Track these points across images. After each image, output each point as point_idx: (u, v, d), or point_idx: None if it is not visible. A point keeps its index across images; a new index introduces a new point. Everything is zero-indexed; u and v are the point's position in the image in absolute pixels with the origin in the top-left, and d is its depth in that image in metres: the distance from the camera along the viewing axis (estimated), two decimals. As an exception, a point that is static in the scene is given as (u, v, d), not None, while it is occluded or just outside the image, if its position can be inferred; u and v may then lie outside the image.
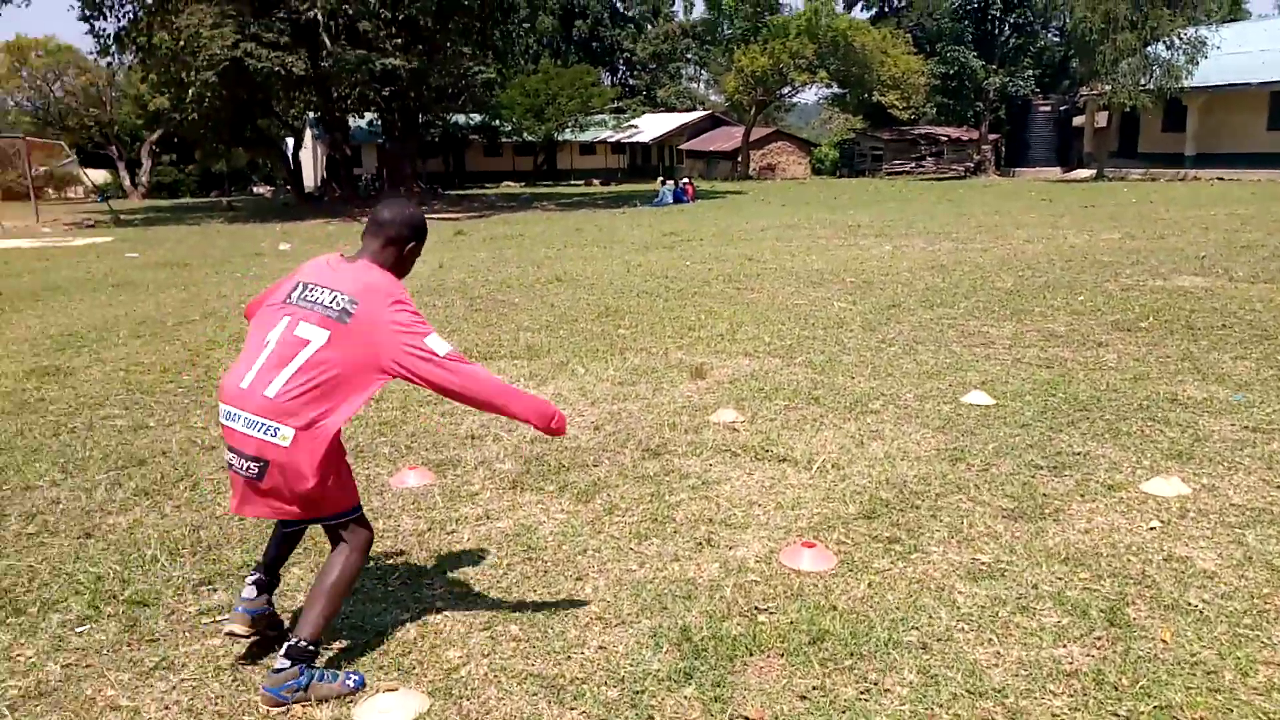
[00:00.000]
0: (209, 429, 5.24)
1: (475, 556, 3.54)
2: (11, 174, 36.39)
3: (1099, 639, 2.87)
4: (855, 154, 49.77)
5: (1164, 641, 2.85)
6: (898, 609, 3.08)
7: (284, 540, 2.94)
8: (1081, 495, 4.05)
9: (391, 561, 3.54)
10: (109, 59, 31.14)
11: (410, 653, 2.88)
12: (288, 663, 2.60)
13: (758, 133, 51.11)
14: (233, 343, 7.69)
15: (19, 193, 34.69)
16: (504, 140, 54.73)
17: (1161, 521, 3.75)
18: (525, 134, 49.04)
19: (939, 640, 2.89)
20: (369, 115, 37.09)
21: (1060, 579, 3.27)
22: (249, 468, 2.56)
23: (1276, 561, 3.36)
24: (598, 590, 3.24)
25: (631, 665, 2.76)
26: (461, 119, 46.31)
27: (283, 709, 2.57)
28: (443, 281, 11.22)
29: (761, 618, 3.02)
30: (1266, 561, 3.36)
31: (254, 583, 2.84)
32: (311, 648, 2.63)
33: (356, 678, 2.69)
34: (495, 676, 2.74)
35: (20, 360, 7.27)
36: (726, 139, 52.86)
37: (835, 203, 25.89)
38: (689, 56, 66.16)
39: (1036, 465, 4.42)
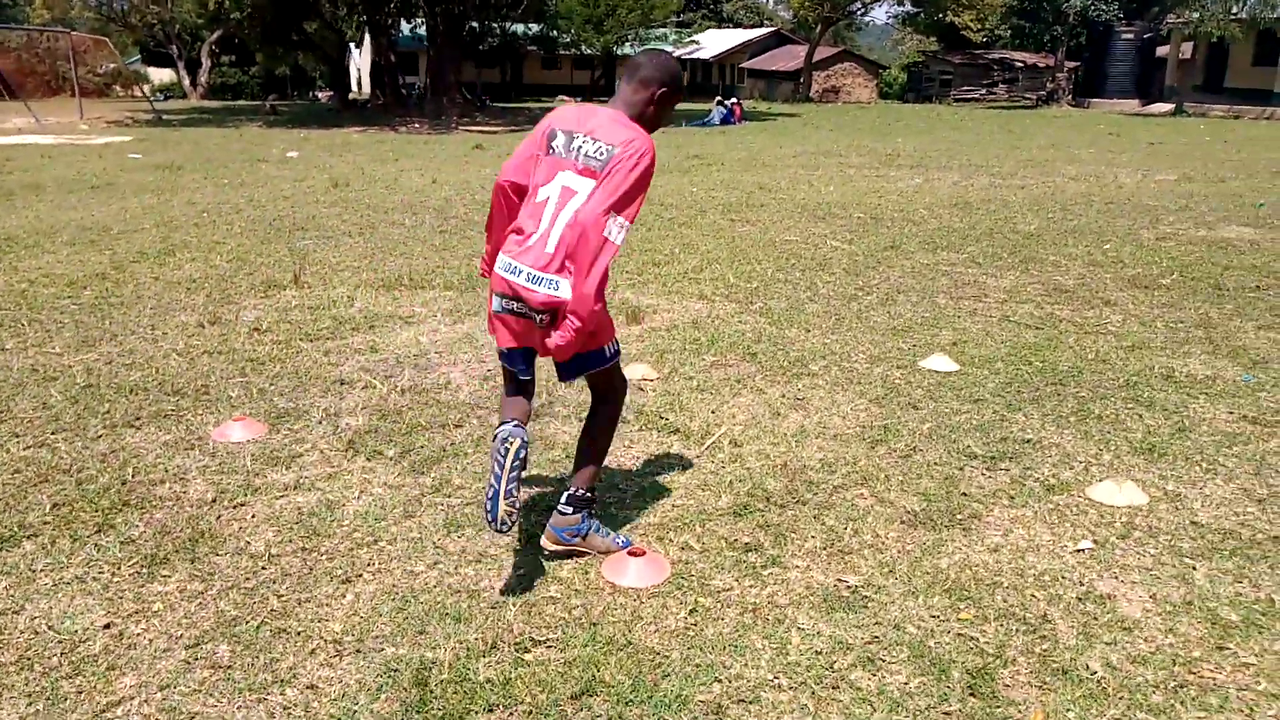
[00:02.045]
0: (64, 356, 4.74)
1: (241, 541, 2.97)
2: (82, 70, 36.20)
3: (947, 716, 2.21)
4: (923, 78, 47.35)
5: (1031, 726, 2.18)
6: (710, 650, 2.44)
7: (523, 391, 2.85)
8: (1010, 498, 3.34)
9: (136, 539, 2.98)
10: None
11: (79, 674, 2.33)
12: (570, 509, 2.79)
13: (823, 52, 48.77)
14: (165, 254, 7.19)
15: (90, 89, 34.79)
16: (562, 53, 53.32)
17: (1096, 541, 3.03)
18: (584, 46, 47.54)
19: (739, 702, 2.25)
20: (416, 20, 36.11)
21: (934, 617, 2.60)
22: (542, 319, 2.60)
23: (1223, 611, 2.64)
24: (359, 599, 2.66)
25: (331, 718, 2.18)
26: (520, 29, 45.03)
27: (564, 550, 2.80)
28: (426, 199, 10.59)
29: (531, 655, 2.41)
30: (1209, 610, 2.64)
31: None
32: (590, 495, 2.82)
33: (624, 540, 2.86)
34: None
35: (-60, 267, 6.86)
36: (790, 58, 50.58)
37: (887, 129, 24.51)
38: (757, -33, 63.36)
39: (970, 454, 3.70)
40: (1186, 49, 33.98)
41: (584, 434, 2.90)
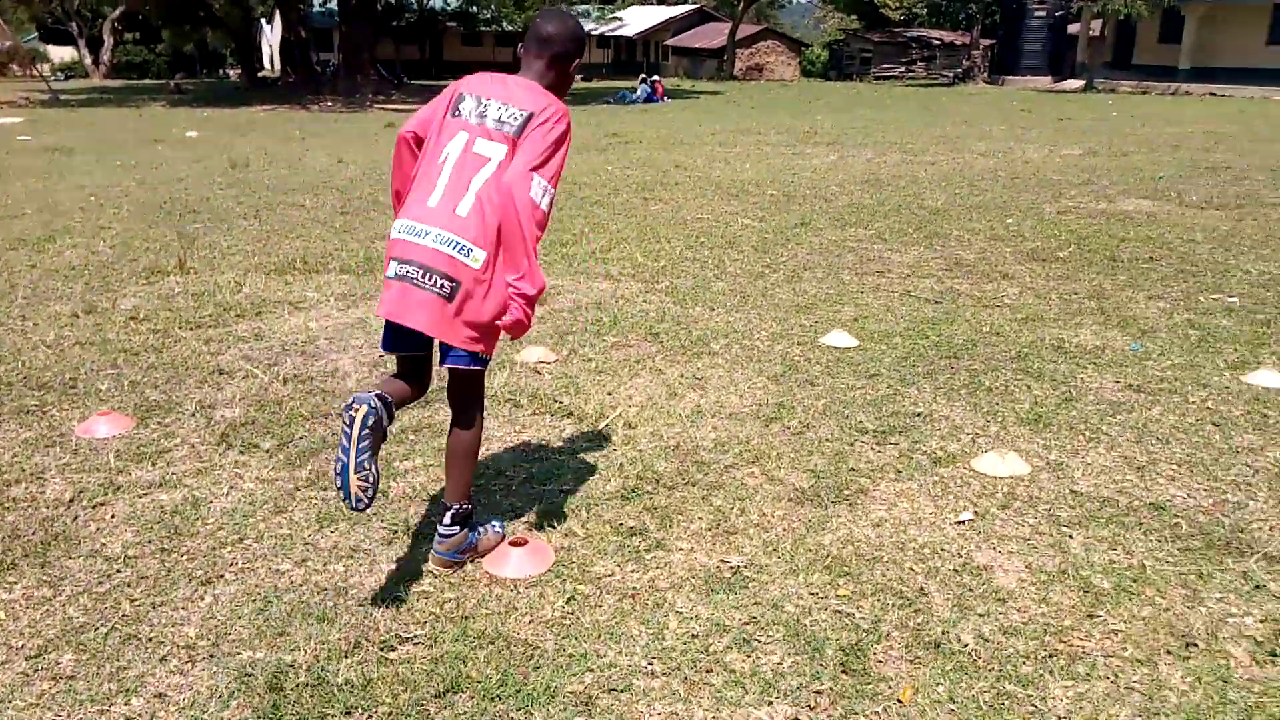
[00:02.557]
0: (-77, 353, 4.46)
1: (98, 542, 2.81)
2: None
3: (817, 695, 2.19)
4: (844, 56, 47.74)
5: (899, 703, 2.16)
6: (585, 639, 2.38)
7: (412, 376, 2.65)
8: (897, 471, 3.34)
9: None
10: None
11: (-100, 693, 2.17)
12: (456, 527, 2.66)
13: (746, 30, 48.84)
14: (45, 241, 6.84)
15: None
16: (483, 29, 52.41)
17: (977, 513, 3.05)
18: (504, 22, 46.81)
19: (610, 691, 2.20)
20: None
21: (813, 595, 2.58)
22: (441, 285, 2.43)
23: (1095, 579, 2.67)
24: (218, 601, 2.53)
25: (175, 725, 2.07)
26: (439, 3, 44.11)
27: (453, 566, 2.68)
28: (331, 178, 10.28)
29: (396, 653, 2.32)
30: (1082, 579, 2.67)
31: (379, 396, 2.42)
32: (468, 508, 2.67)
33: (498, 523, 2.84)
34: (-1, 732, 2.04)
35: None
36: (714, 36, 50.57)
37: (807, 107, 24.65)
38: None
39: (862, 429, 3.70)
40: (1096, 26, 34.84)
41: (449, 449, 2.66)
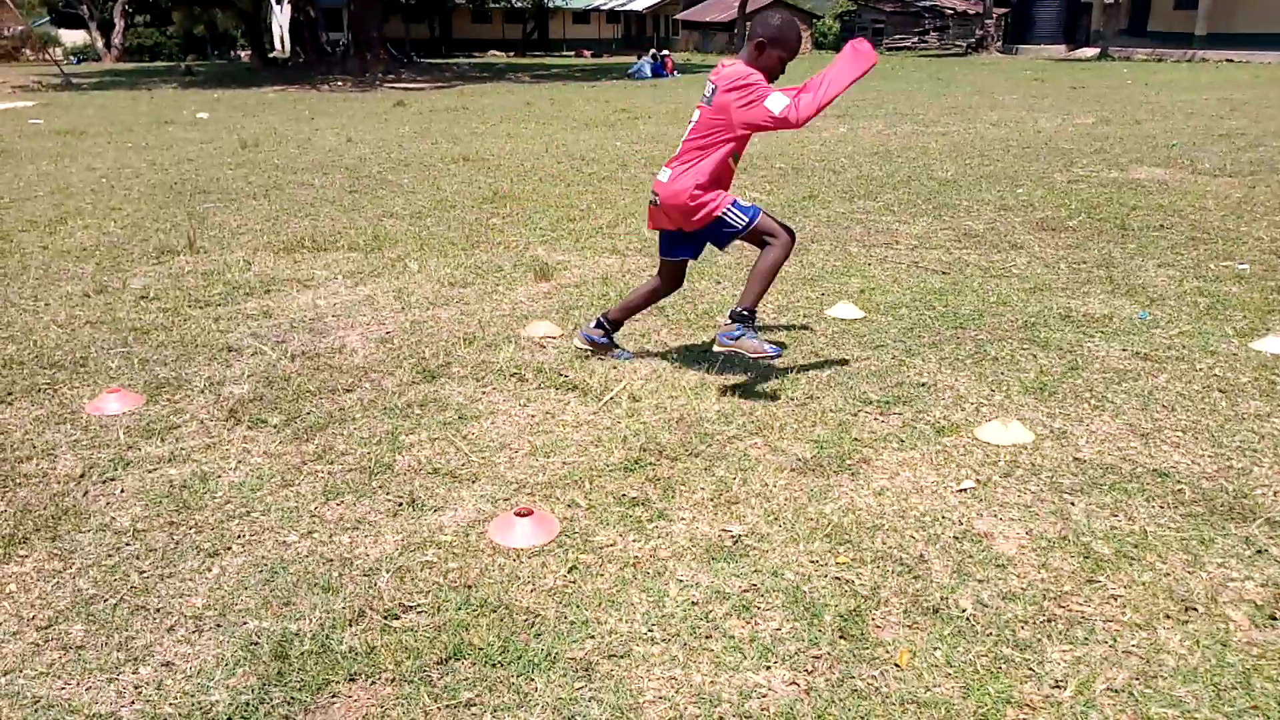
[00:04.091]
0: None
1: (107, 516, 2.85)
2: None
3: (816, 659, 2.21)
4: (856, 27, 47.29)
5: (896, 667, 2.18)
6: (586, 607, 2.41)
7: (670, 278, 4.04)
8: (900, 441, 3.35)
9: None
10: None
11: (-84, 662, 2.21)
12: (731, 322, 3.63)
13: (756, 2, 48.37)
14: (56, 222, 6.89)
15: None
16: (492, 5, 52.15)
17: (979, 480, 3.05)
18: (514, 0, 46.61)
19: (610, 657, 2.22)
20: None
21: (813, 562, 2.59)
22: (653, 199, 3.77)
23: (1096, 544, 2.67)
24: (225, 573, 2.57)
25: (184, 695, 2.10)
26: (450, -20, 43.96)
27: (726, 350, 3.64)
28: (341, 157, 10.30)
29: (400, 622, 2.35)
30: (1083, 545, 2.67)
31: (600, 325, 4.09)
32: (747, 313, 3.62)
33: (774, 349, 3.63)
34: None
35: None
36: (724, 9, 50.11)
37: (817, 79, 24.40)
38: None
39: (867, 400, 3.70)
40: (1111, -7, 34.37)
41: (753, 266, 3.72)
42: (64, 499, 2.96)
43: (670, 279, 4.05)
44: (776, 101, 3.42)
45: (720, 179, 3.69)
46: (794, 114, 3.41)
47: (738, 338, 3.58)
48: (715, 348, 3.70)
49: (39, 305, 4.96)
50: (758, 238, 3.68)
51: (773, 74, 3.60)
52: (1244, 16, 29.99)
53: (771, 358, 3.66)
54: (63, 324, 4.64)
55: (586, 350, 4.13)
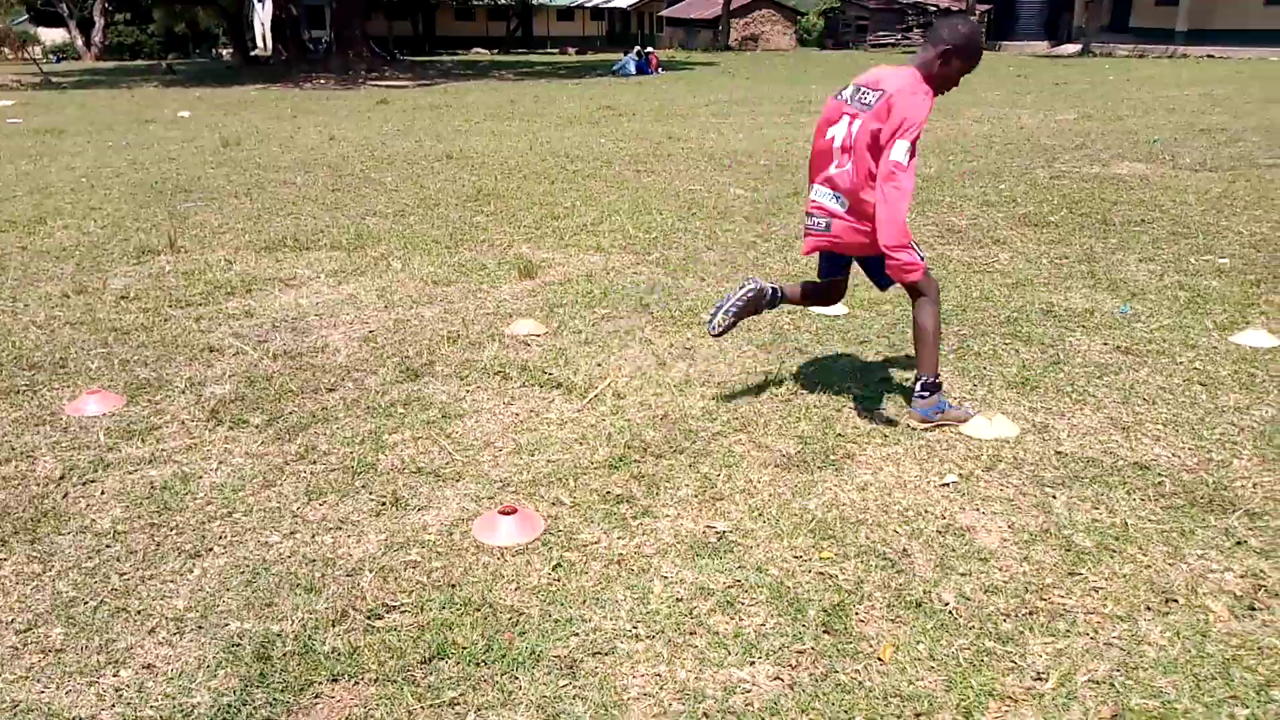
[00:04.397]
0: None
1: (87, 519, 2.83)
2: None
3: (799, 654, 2.21)
4: (840, 24, 47.35)
5: (880, 661, 2.19)
6: (570, 605, 2.41)
7: (830, 283, 3.62)
8: (884, 436, 3.36)
9: (-5, 521, 2.83)
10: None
11: (-107, 667, 2.19)
12: (927, 393, 3.35)
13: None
14: (35, 223, 6.82)
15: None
16: (476, 3, 51.99)
17: (962, 475, 3.06)
18: (496, -4, 46.49)
19: (594, 654, 2.22)
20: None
21: (797, 558, 2.60)
22: (818, 224, 3.40)
23: (1078, 537, 2.69)
24: (207, 574, 2.55)
25: (165, 697, 2.09)
26: (431, -22, 43.79)
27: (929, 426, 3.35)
28: (323, 155, 10.25)
29: (383, 622, 2.34)
30: (1064, 538, 2.69)
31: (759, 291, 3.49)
32: (937, 380, 3.35)
33: (970, 407, 3.46)
34: (-10, 704, 2.07)
35: None
36: (708, 6, 50.09)
37: (802, 77, 24.50)
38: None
39: (850, 395, 3.71)
40: (1092, -10, 34.48)
41: (914, 332, 3.46)
42: (43, 501, 2.93)
43: (839, 292, 3.69)
44: (902, 151, 3.05)
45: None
46: (894, 189, 3.09)
47: (942, 410, 3.35)
48: (915, 422, 3.38)
49: (18, 306, 4.92)
50: (916, 290, 3.38)
51: (946, 88, 3.24)
52: (1224, 13, 30.18)
53: (968, 419, 3.38)
54: (42, 324, 4.60)
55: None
